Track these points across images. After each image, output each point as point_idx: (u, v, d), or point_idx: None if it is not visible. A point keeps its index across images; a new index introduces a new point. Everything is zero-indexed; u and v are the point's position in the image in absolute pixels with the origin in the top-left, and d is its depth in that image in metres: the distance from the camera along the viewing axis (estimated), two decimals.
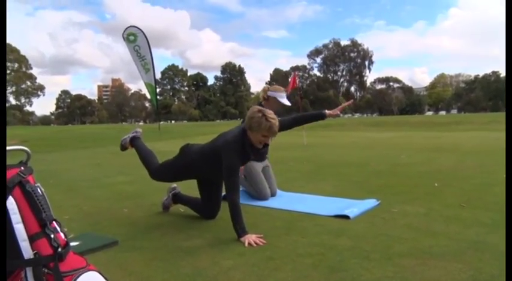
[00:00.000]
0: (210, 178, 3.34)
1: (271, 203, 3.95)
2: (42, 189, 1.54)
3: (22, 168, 1.44)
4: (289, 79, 11.58)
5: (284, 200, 4.07)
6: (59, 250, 1.39)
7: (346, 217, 3.30)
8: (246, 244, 2.68)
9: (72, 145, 13.85)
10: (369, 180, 5.00)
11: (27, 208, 1.38)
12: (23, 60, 79.08)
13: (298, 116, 3.73)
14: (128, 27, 10.81)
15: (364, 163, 6.41)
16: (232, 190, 2.91)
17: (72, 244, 2.83)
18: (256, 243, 2.69)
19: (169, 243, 2.80)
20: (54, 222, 1.46)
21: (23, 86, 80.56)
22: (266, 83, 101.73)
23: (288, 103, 4.00)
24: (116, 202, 4.26)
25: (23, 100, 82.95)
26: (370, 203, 3.72)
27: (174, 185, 3.77)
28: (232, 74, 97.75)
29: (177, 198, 3.71)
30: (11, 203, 1.35)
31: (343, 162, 6.64)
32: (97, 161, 8.48)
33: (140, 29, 10.87)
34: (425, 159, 6.62)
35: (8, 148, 1.49)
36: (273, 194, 4.26)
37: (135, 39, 10.61)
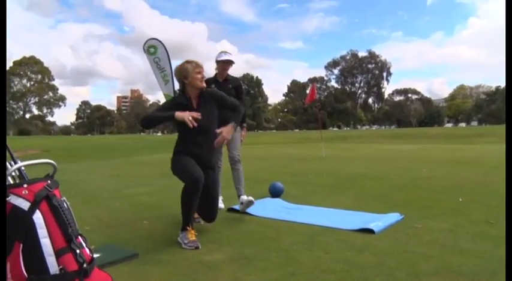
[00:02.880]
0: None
1: (292, 217, 3.89)
2: (68, 203, 1.53)
3: (49, 181, 1.43)
4: (307, 91, 11.56)
5: (305, 214, 4.02)
6: (85, 265, 1.38)
7: (370, 231, 3.24)
8: (185, 118, 3.04)
9: (91, 155, 14.02)
10: (390, 194, 4.91)
11: (53, 223, 1.38)
12: (46, 72, 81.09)
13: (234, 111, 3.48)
14: (149, 39, 10.91)
15: (384, 176, 6.30)
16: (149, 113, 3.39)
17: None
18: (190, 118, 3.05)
19: (190, 257, 2.78)
20: (79, 237, 1.45)
21: (45, 97, 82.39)
22: (283, 95, 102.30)
23: (223, 57, 4.20)
24: (135, 213, 4.27)
25: (45, 110, 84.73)
26: (394, 217, 3.64)
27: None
28: (250, 86, 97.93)
29: None
30: (38, 217, 1.35)
31: (363, 175, 6.53)
32: (116, 171, 8.54)
33: (160, 42, 10.96)
34: (447, 172, 6.47)
35: (35, 161, 1.50)
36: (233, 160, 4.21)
37: (155, 51, 10.73)
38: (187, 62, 3.31)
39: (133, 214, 4.28)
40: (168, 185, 3.90)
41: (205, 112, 3.23)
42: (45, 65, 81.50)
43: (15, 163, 1.52)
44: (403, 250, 2.75)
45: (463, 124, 77.00)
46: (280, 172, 7.27)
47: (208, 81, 4.06)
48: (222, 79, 4.29)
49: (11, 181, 1.52)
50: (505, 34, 3.01)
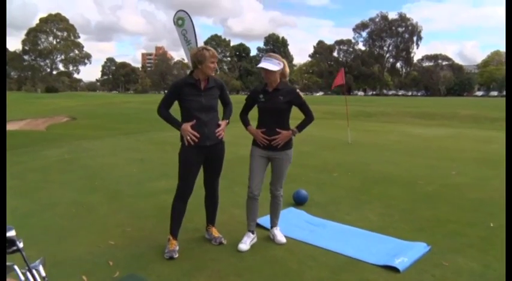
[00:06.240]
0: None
1: (316, 238, 3.84)
2: None
3: None
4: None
5: (329, 234, 3.96)
6: None
7: (395, 268, 3.18)
8: (186, 141, 3.44)
9: (116, 127, 14.17)
10: (417, 208, 4.77)
11: None
12: (71, 29, 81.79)
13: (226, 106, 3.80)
14: (178, 11, 10.79)
15: (411, 180, 6.12)
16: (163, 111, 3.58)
17: None
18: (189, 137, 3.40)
19: None
20: None
21: (71, 54, 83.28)
22: (309, 56, 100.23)
23: (260, 65, 3.49)
24: (159, 221, 4.28)
25: (71, 68, 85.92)
26: (420, 249, 3.55)
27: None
28: (275, 46, 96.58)
29: None
30: None
31: (390, 177, 6.31)
32: (140, 155, 8.60)
33: (187, 13, 10.79)
34: (477, 178, 6.19)
35: None
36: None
37: (183, 23, 10.58)
38: (206, 49, 3.45)
39: (156, 222, 4.31)
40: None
41: (210, 94, 3.52)
42: (70, 19, 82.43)
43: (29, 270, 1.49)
44: None
45: (494, 93, 74.28)
46: (305, 165, 7.15)
47: (256, 90, 3.68)
48: (272, 88, 3.58)
49: None
50: (505, 35, 2.81)
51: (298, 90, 3.64)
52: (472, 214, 4.54)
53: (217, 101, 3.62)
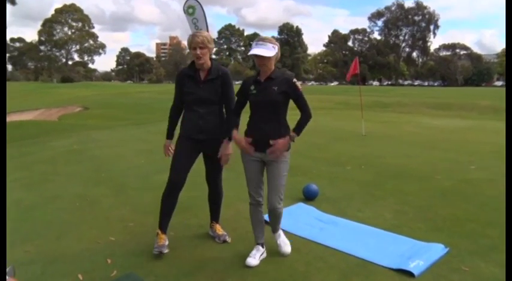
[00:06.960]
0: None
1: (326, 237, 3.63)
2: None
3: None
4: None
5: (340, 233, 3.75)
6: None
7: (409, 272, 2.96)
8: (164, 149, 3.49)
9: (128, 117, 14.09)
10: (433, 205, 4.51)
11: None
12: (86, 19, 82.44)
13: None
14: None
15: (427, 174, 5.84)
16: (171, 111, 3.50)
17: None
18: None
19: None
20: None
21: (86, 44, 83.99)
22: (324, 45, 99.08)
23: (253, 52, 2.93)
24: None
25: (85, 58, 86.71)
26: (437, 251, 3.31)
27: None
28: (290, 35, 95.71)
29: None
30: None
31: (405, 171, 6.04)
32: (149, 146, 8.45)
33: (198, 1, 10.50)
34: (498, 174, 5.80)
35: None
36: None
37: (193, 12, 10.31)
38: (193, 34, 3.19)
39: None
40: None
41: (210, 86, 3.26)
42: (85, 10, 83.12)
43: None
44: None
45: None
46: (316, 158, 6.91)
47: (247, 81, 3.14)
48: (264, 78, 3.06)
49: None
50: (505, 35, 2.58)
51: (295, 79, 3.07)
52: (492, 214, 4.25)
53: (218, 95, 3.28)
